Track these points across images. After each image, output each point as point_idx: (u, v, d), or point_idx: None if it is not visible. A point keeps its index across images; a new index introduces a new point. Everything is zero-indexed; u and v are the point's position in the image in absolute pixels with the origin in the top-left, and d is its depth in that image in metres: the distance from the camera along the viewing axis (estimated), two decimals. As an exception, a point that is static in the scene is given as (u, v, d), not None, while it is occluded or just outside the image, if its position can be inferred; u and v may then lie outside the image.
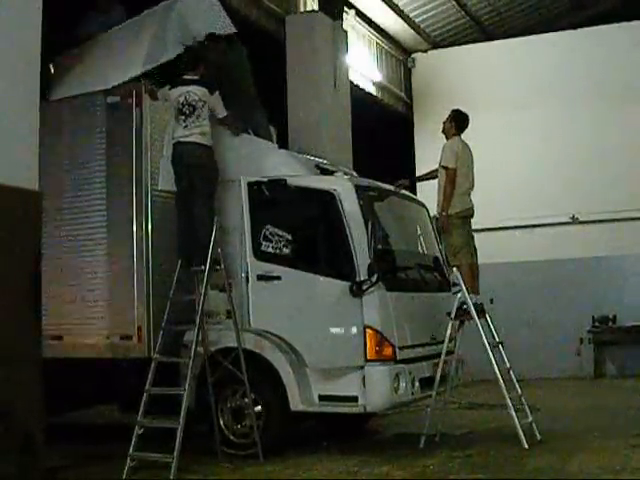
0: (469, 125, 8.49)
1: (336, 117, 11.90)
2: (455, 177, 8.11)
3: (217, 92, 7.86)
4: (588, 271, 14.66)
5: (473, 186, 8.35)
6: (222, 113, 7.94)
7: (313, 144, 10.63)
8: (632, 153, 14.62)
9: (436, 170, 8.35)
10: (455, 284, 8.05)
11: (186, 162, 7.68)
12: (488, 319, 8.05)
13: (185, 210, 7.72)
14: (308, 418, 7.91)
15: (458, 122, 8.41)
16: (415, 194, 9.96)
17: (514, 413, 7.57)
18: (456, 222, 8.12)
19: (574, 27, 15.62)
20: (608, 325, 14.44)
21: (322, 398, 7.50)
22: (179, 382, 7.40)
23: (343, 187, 7.66)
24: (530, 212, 14.92)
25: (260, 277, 7.62)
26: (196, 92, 7.70)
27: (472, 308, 7.85)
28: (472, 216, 8.34)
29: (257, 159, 8.04)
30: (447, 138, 8.39)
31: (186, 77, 7.85)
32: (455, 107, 8.58)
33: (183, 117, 7.67)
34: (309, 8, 12.44)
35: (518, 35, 16.12)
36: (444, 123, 8.45)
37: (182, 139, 7.67)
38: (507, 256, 14.66)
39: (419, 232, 8.86)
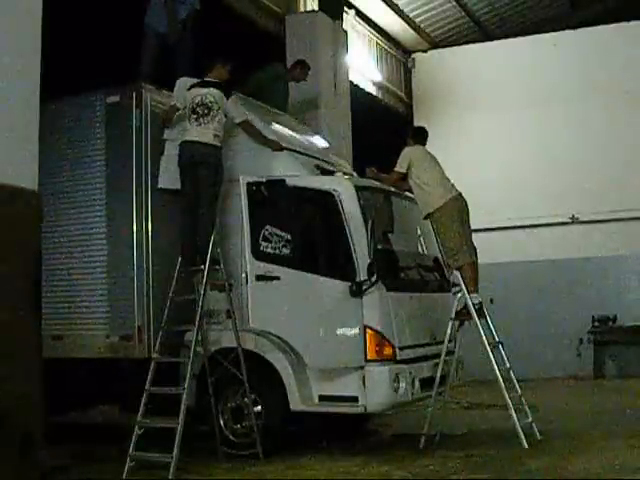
0: (427, 135, 8.52)
1: (336, 117, 11.90)
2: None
3: (233, 97, 7.87)
4: (588, 271, 14.68)
5: (445, 178, 8.11)
6: (239, 118, 7.86)
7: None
8: (632, 153, 14.65)
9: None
10: (455, 284, 8.04)
11: (196, 161, 7.62)
12: (488, 319, 8.05)
13: (189, 210, 7.69)
14: (308, 418, 7.90)
15: (417, 136, 8.49)
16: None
17: (514, 413, 7.57)
18: (444, 220, 7.95)
19: (573, 27, 15.64)
20: (608, 325, 14.44)
21: (322, 398, 7.50)
22: (179, 382, 7.41)
23: (343, 187, 7.65)
24: (530, 212, 14.93)
25: (259, 277, 7.59)
26: (213, 94, 7.70)
27: (472, 308, 7.85)
28: (463, 211, 8.07)
29: (257, 159, 8.03)
30: None
31: (206, 79, 7.87)
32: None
33: (195, 116, 7.64)
34: (309, 8, 12.48)
35: (518, 35, 16.15)
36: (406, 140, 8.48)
37: (194, 138, 7.62)
38: (507, 256, 14.67)
39: (419, 232, 8.85)
